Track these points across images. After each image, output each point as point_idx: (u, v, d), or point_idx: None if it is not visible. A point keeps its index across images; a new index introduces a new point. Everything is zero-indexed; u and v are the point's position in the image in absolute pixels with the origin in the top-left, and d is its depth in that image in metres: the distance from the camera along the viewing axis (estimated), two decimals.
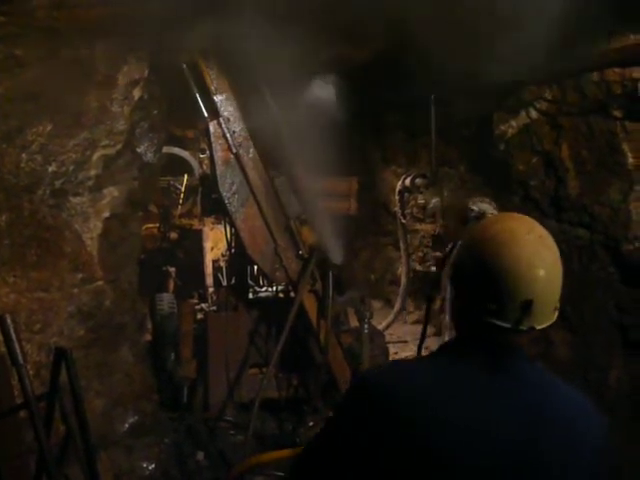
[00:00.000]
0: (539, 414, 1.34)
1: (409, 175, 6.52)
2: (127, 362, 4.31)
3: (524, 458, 1.30)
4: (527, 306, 1.33)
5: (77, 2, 3.48)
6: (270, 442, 4.58)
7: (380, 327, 6.28)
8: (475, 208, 5.03)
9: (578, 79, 4.56)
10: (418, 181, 6.42)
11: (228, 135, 4.54)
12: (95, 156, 4.01)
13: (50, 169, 3.81)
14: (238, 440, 4.64)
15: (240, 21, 3.67)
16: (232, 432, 4.79)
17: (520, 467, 1.30)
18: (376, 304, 7.44)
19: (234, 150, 4.56)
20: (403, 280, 6.78)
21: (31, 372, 2.92)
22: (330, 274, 4.67)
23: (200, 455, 4.48)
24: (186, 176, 7.94)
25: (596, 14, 3.30)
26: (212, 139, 4.56)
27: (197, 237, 7.02)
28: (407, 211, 6.85)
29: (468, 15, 3.56)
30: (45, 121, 3.76)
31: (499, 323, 1.35)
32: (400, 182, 6.59)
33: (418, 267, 7.40)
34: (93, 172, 4.01)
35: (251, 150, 4.63)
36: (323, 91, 5.07)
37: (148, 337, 5.49)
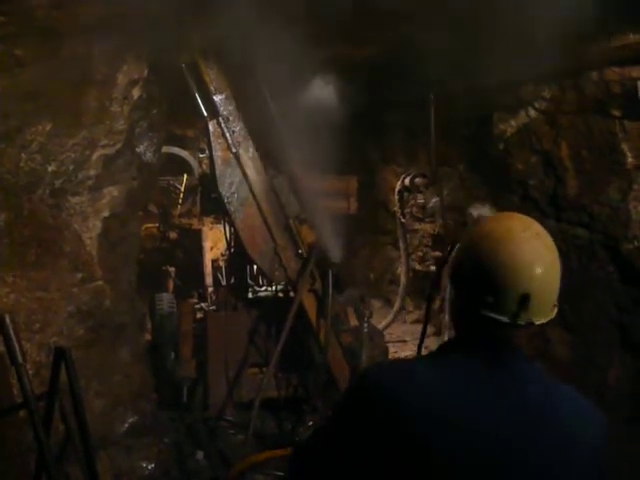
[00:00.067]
0: (539, 414, 1.34)
1: (409, 174, 6.52)
2: (127, 362, 4.31)
3: (524, 458, 1.31)
4: (524, 300, 1.34)
5: (77, 2, 3.48)
6: (270, 441, 4.58)
7: (380, 326, 6.28)
8: (475, 213, 5.03)
9: (577, 78, 4.56)
10: (418, 180, 6.41)
11: (227, 134, 4.54)
12: (94, 156, 4.00)
13: (49, 169, 3.80)
14: (238, 440, 4.64)
15: (240, 21, 3.67)
16: (232, 432, 4.80)
17: (520, 467, 1.31)
18: (376, 303, 7.44)
19: (233, 149, 4.56)
20: (403, 279, 6.77)
21: (31, 372, 2.91)
22: (329, 273, 4.67)
23: (200, 455, 4.48)
24: (185, 176, 7.95)
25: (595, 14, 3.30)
26: (211, 138, 4.56)
27: (196, 237, 7.01)
28: (407, 210, 6.86)
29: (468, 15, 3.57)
30: (44, 121, 3.75)
31: (497, 316, 1.36)
32: (400, 181, 6.58)
33: (418, 266, 7.41)
34: (92, 172, 4.01)
35: (251, 149, 4.63)
36: (323, 91, 5.07)
37: (148, 337, 5.50)
